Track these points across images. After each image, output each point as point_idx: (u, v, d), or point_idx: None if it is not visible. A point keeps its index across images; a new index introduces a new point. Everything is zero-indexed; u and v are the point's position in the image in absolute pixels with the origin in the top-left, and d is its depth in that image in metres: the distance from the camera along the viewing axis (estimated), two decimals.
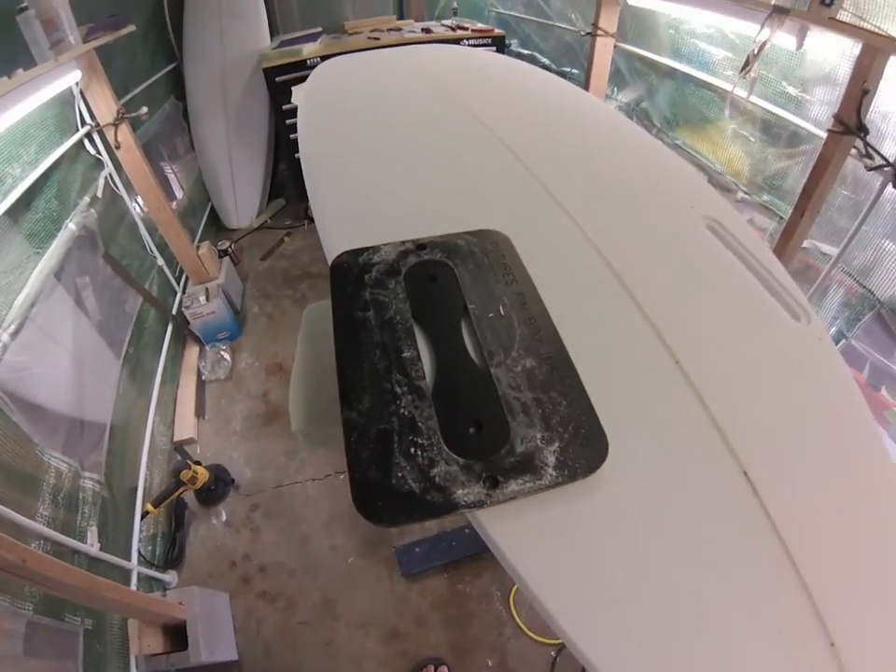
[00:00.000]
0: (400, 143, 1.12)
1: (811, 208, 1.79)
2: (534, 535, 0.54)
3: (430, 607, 1.93)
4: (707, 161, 2.39)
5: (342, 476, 2.31)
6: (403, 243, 0.76)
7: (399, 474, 0.53)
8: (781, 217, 2.05)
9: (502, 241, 0.77)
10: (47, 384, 1.72)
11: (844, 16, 1.55)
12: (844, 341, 1.99)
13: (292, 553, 2.10)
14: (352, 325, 0.66)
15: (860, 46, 1.55)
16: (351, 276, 0.73)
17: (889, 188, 1.66)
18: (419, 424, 0.56)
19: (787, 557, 0.58)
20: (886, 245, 1.80)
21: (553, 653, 1.79)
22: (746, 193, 2.20)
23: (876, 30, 1.49)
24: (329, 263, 0.76)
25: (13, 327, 1.56)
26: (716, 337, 0.80)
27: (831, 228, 1.97)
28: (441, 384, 0.59)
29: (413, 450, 0.54)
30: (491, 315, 0.65)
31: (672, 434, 0.65)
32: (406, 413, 0.57)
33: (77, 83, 2.12)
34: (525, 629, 1.84)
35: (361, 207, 0.91)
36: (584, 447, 0.56)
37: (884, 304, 1.80)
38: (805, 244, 2.02)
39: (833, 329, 2.05)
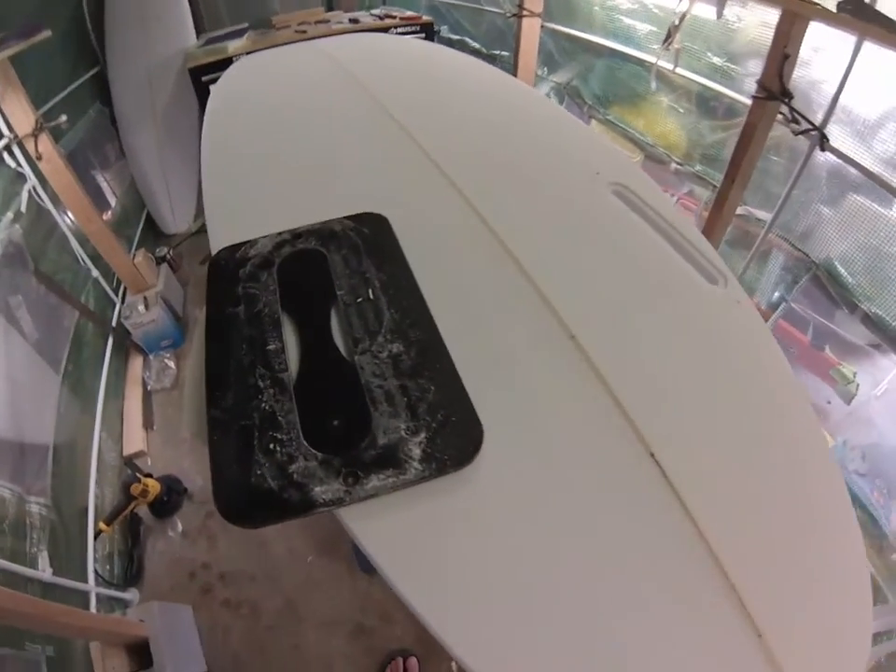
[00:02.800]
0: (295, 134, 1.07)
1: (741, 175, 1.80)
2: (401, 535, 0.50)
3: (394, 600, 1.86)
4: (639, 136, 2.39)
5: None
6: (280, 234, 0.72)
7: (259, 472, 0.50)
8: (715, 186, 2.06)
9: (380, 222, 0.74)
10: None
11: None
12: (784, 304, 2.02)
13: (251, 559, 2.06)
14: (221, 321, 0.62)
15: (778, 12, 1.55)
16: (227, 273, 0.68)
17: (818, 151, 1.68)
18: (279, 418, 0.52)
19: (693, 527, 0.54)
20: (819, 208, 1.83)
21: None
22: (679, 164, 2.20)
23: None
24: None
25: None
26: (619, 307, 0.76)
27: (767, 195, 2.00)
28: (304, 375, 0.56)
29: (272, 445, 0.51)
30: (360, 299, 0.62)
31: (564, 416, 0.61)
32: (267, 408, 0.53)
33: None
34: None
35: (249, 201, 0.86)
36: (455, 437, 0.52)
37: (820, 266, 1.84)
38: (741, 210, 2.04)
39: (776, 293, 2.08)
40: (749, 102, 1.82)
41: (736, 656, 0.48)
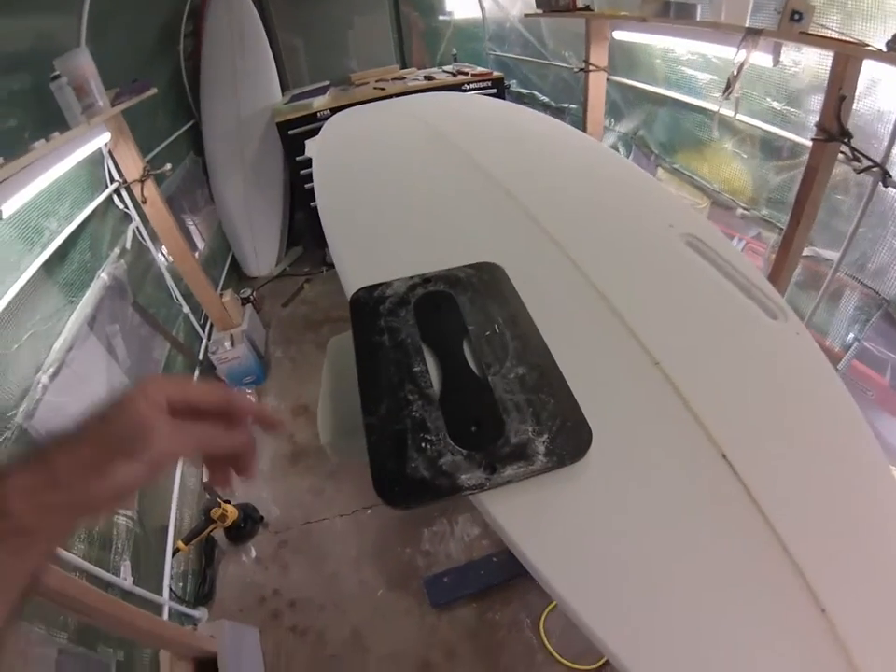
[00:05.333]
0: (404, 188, 1.31)
1: (805, 217, 1.89)
2: (530, 513, 0.66)
3: (460, 637, 1.99)
4: (705, 182, 2.54)
5: (368, 511, 2.43)
6: (411, 278, 0.92)
7: (413, 464, 0.67)
8: (781, 229, 2.17)
9: (497, 271, 0.93)
10: None
11: (816, 28, 1.66)
12: (856, 343, 2.04)
13: (321, 588, 2.18)
14: (370, 347, 0.81)
15: (832, 55, 1.65)
16: (368, 308, 0.88)
17: (881, 187, 1.73)
18: (428, 424, 0.70)
19: (767, 526, 0.68)
20: (891, 243, 1.86)
21: None
22: (745, 209, 2.33)
23: (845, 37, 1.60)
24: (349, 298, 0.92)
25: (52, 370, 1.74)
26: (694, 339, 0.93)
27: (835, 235, 2.05)
28: (446, 391, 0.74)
29: (423, 444, 0.68)
30: (488, 333, 0.80)
31: (653, 426, 0.78)
32: (417, 416, 0.71)
33: (106, 144, 2.37)
34: (557, 656, 1.87)
35: (373, 249, 1.08)
36: (571, 437, 0.69)
37: (890, 303, 1.87)
38: (808, 252, 2.11)
39: (851, 335, 2.11)
40: (802, 140, 1.93)
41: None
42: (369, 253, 1.07)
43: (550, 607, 2.00)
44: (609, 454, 0.72)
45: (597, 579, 0.64)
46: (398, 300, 0.88)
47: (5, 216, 1.55)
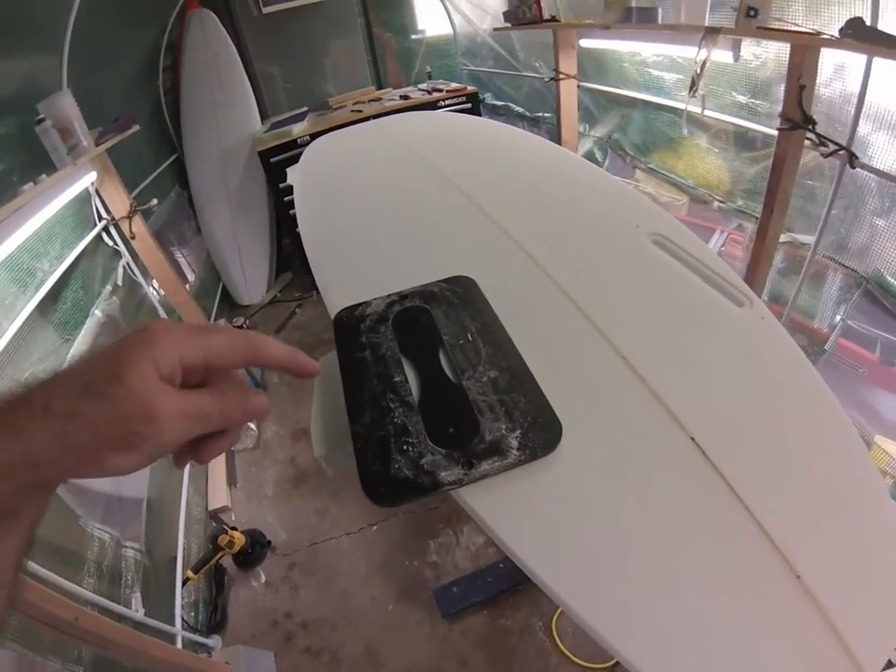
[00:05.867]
0: (381, 209, 1.38)
1: (778, 205, 1.96)
2: (507, 505, 0.72)
3: (473, 645, 2.02)
4: (681, 180, 2.62)
5: (374, 527, 2.47)
6: (389, 296, 0.99)
7: (396, 465, 0.73)
8: (757, 218, 2.24)
9: (469, 283, 1.00)
10: None
11: (772, 22, 1.73)
12: (841, 323, 2.11)
13: (332, 607, 2.22)
14: (353, 362, 0.88)
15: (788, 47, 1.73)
16: (350, 326, 0.95)
17: (849, 169, 1.79)
18: (409, 428, 0.76)
19: (739, 503, 0.73)
20: (863, 223, 1.94)
21: None
22: (721, 202, 2.41)
23: (800, 29, 1.69)
24: (333, 318, 0.99)
25: None
26: (660, 331, 0.99)
27: (811, 219, 2.13)
28: (424, 397, 0.80)
29: (405, 447, 0.74)
30: (461, 341, 0.87)
31: (622, 416, 0.84)
32: (399, 422, 0.77)
33: (92, 182, 2.44)
34: (571, 656, 1.91)
35: (353, 270, 1.15)
36: (542, 432, 0.75)
37: (870, 280, 1.93)
38: (786, 238, 2.19)
39: (837, 316, 2.16)
40: (769, 130, 1.99)
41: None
42: (349, 274, 1.14)
43: (561, 608, 2.03)
44: (581, 445, 0.77)
45: (575, 561, 0.69)
46: (377, 317, 0.95)
47: None
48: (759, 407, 0.89)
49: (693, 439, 0.81)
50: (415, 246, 1.19)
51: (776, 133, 1.92)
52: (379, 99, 4.08)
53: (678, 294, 1.08)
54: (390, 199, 1.41)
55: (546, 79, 3.09)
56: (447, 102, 3.75)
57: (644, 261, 1.14)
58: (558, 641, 1.95)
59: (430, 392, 0.81)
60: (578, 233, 1.21)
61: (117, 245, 2.61)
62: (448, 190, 1.36)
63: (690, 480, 0.77)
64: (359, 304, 0.99)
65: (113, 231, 2.60)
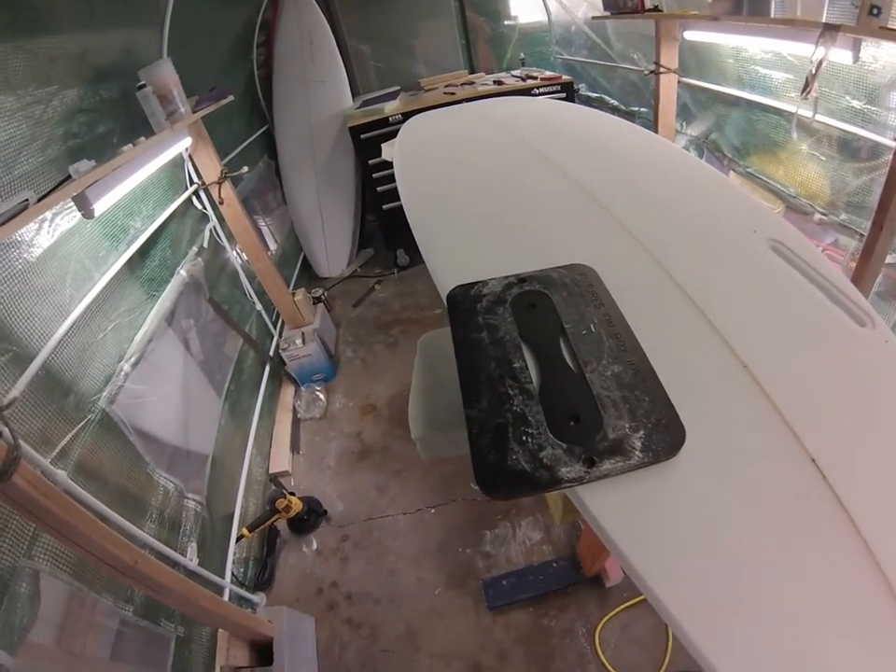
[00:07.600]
0: (487, 190, 1.37)
1: (889, 221, 1.82)
2: (625, 506, 0.70)
3: (514, 641, 2.02)
4: (780, 187, 2.49)
5: (432, 510, 2.50)
6: (507, 277, 0.98)
7: (514, 457, 0.72)
8: (862, 235, 2.10)
9: (589, 272, 0.98)
10: (158, 413, 2.03)
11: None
12: None
13: (379, 584, 2.27)
14: (469, 343, 0.87)
15: None
16: (465, 305, 0.95)
17: None
18: (529, 418, 0.75)
19: (856, 534, 0.69)
20: None
21: None
22: (823, 214, 2.28)
23: None
24: (444, 296, 0.98)
25: (133, 359, 1.90)
26: (782, 343, 0.95)
27: None
28: (545, 386, 0.79)
29: (524, 438, 0.73)
30: (583, 332, 0.85)
31: (742, 427, 0.80)
32: (518, 410, 0.76)
33: (187, 148, 2.55)
34: (610, 668, 1.88)
35: (463, 248, 1.15)
36: (665, 434, 0.73)
37: None
38: (890, 259, 2.04)
39: None
40: (886, 140, 1.86)
41: None
42: (459, 252, 1.14)
43: (608, 617, 2.00)
44: (700, 452, 0.75)
45: (688, 576, 0.67)
46: (494, 298, 0.94)
47: (96, 214, 1.69)
48: (883, 434, 0.84)
49: (813, 460, 0.77)
50: (526, 231, 1.17)
51: (892, 143, 1.80)
52: (472, 83, 4.08)
53: (798, 306, 1.03)
54: (496, 180, 1.40)
55: (645, 72, 2.99)
56: (541, 90, 3.71)
57: (763, 268, 1.09)
58: (599, 650, 1.93)
59: (551, 381, 0.79)
60: (695, 233, 1.16)
61: (205, 209, 2.71)
62: (557, 177, 1.34)
63: (808, 504, 0.73)
64: (475, 283, 0.98)
65: (203, 195, 2.70)
